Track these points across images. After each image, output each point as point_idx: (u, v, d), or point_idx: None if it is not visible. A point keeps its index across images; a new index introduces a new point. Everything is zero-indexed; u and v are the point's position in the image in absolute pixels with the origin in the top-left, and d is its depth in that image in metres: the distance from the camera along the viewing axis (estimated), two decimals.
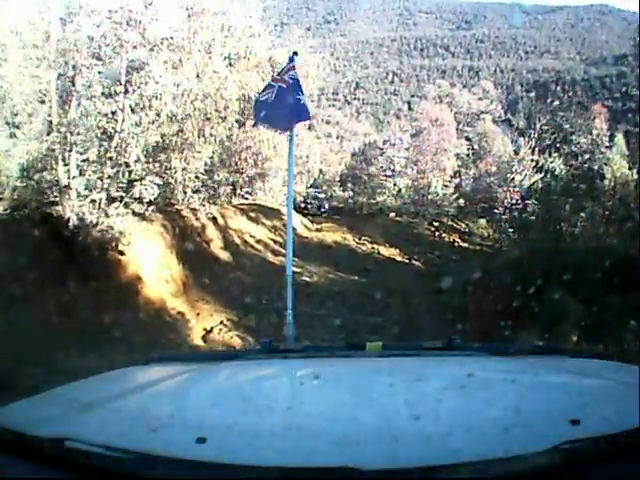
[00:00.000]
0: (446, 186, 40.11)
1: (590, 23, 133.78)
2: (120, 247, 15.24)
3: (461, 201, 39.28)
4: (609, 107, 47.04)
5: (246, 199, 31.98)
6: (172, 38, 17.81)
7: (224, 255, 21.54)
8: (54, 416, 2.02)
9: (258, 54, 28.12)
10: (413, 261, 28.23)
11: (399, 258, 28.77)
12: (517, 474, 1.47)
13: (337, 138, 61.07)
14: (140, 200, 16.16)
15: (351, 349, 3.22)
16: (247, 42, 26.34)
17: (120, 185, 15.73)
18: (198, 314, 15.81)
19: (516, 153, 39.15)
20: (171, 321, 14.89)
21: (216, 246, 21.58)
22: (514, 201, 29.42)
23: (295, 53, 10.61)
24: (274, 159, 30.76)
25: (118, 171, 15.65)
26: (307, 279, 20.52)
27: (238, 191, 31.62)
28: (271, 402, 2.25)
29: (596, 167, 17.59)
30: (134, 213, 16.35)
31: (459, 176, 41.82)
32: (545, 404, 2.00)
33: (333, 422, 1.88)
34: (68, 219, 14.72)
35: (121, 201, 15.61)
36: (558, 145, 18.55)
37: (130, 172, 15.85)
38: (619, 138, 26.36)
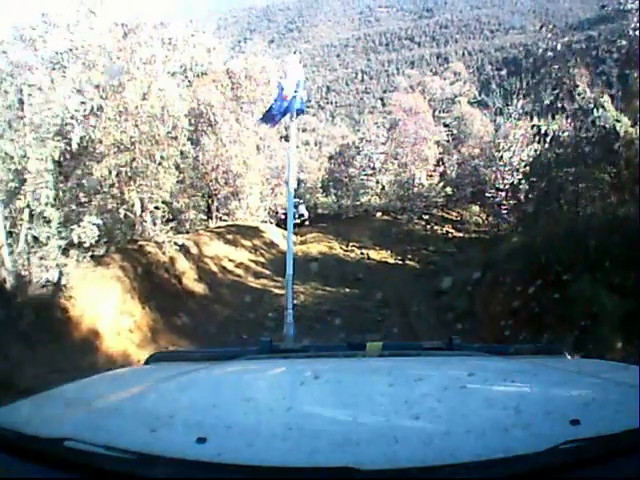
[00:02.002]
0: (430, 176, 38.57)
1: None
2: (63, 301, 13.29)
3: (448, 189, 37.71)
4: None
5: (225, 220, 30.13)
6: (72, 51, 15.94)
7: (199, 288, 19.54)
8: (54, 416, 2.00)
9: (214, 68, 26.90)
10: (407, 261, 26.53)
11: (391, 260, 27.04)
12: (517, 474, 1.47)
13: (315, 144, 60.54)
14: (80, 245, 14.22)
15: (351, 349, 3.07)
16: (201, 57, 24.77)
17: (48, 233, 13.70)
18: None
19: (496, 130, 38.05)
20: None
21: (189, 279, 19.58)
22: (507, 181, 27.55)
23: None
24: (246, 175, 28.89)
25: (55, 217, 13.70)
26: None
27: (215, 213, 29.88)
28: (271, 402, 2.24)
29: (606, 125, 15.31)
30: (93, 259, 15.08)
31: (442, 164, 40.48)
32: (545, 404, 1.98)
33: (333, 422, 1.87)
34: (4, 280, 12.82)
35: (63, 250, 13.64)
36: (560, 105, 16.43)
37: (45, 218, 13.82)
38: (605, 99, 24.65)
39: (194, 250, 21.80)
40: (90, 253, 15.41)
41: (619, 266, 9.62)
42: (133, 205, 19.22)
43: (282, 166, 33.77)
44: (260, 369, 2.88)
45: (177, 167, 20.65)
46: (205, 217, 29.33)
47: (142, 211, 19.53)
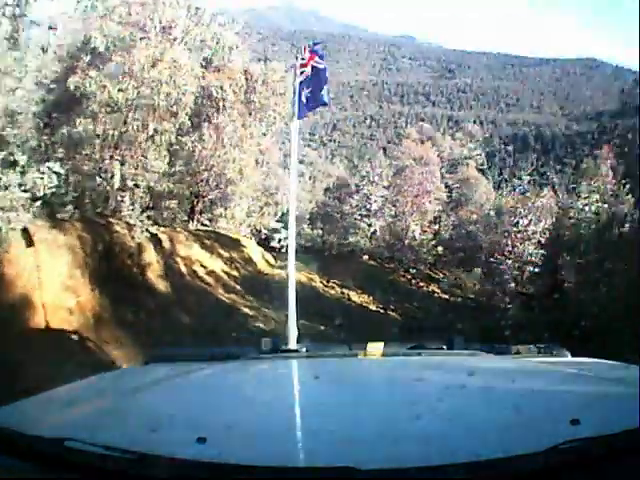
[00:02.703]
0: (425, 231, 36.60)
1: (576, 78, 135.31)
2: None
3: (440, 249, 36.41)
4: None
5: (205, 226, 28.10)
6: None
7: (162, 285, 17.44)
8: (54, 416, 2.01)
9: (232, 66, 25.43)
10: (389, 312, 24.69)
11: (372, 307, 25.14)
12: (517, 474, 1.46)
13: (310, 178, 60.20)
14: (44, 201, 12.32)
15: (351, 349, 3.16)
16: (224, 53, 24.06)
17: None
18: (101, 360, 11.32)
19: (500, 196, 37.60)
20: (54, 373, 9.63)
21: (154, 273, 17.50)
22: (517, 249, 25.73)
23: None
24: (240, 183, 26.77)
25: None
26: (262, 325, 16.63)
27: (197, 216, 27.74)
28: (271, 402, 2.22)
29: None
30: (51, 220, 13.37)
31: (439, 222, 39.22)
32: (545, 404, 2.01)
33: (333, 422, 1.86)
34: None
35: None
36: None
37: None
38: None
39: (167, 245, 19.77)
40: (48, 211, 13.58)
41: None
42: (112, 176, 17.21)
43: (275, 186, 32.45)
44: (260, 369, 2.93)
45: (169, 151, 18.69)
46: (187, 218, 27.22)
47: (124, 186, 17.48)
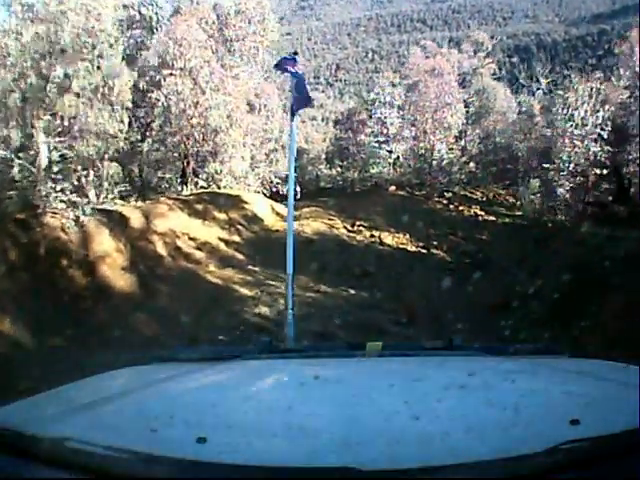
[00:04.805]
0: (451, 149, 31.63)
1: None
2: None
3: (471, 165, 31.94)
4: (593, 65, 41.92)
5: (204, 188, 23.53)
6: None
7: (124, 281, 12.72)
8: (54, 416, 1.92)
9: (201, 7, 23.08)
10: (432, 250, 19.50)
11: (412, 248, 19.88)
12: (517, 474, 1.41)
13: (322, 120, 58.23)
14: None
15: (351, 349, 3.00)
16: None
17: None
18: None
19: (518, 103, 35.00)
20: None
21: (113, 267, 12.81)
22: (578, 149, 20.45)
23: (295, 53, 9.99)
24: (230, 131, 22.48)
25: None
26: (265, 311, 12.20)
27: (190, 178, 23.55)
28: (271, 402, 2.17)
29: None
30: None
31: (465, 136, 33.77)
32: (545, 404, 1.94)
33: (333, 422, 1.78)
34: None
35: None
36: None
37: None
38: None
39: (137, 223, 15.13)
40: None
41: None
42: (37, 154, 12.16)
43: (280, 129, 27.60)
44: (260, 369, 2.70)
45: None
46: (180, 182, 23.45)
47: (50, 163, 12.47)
